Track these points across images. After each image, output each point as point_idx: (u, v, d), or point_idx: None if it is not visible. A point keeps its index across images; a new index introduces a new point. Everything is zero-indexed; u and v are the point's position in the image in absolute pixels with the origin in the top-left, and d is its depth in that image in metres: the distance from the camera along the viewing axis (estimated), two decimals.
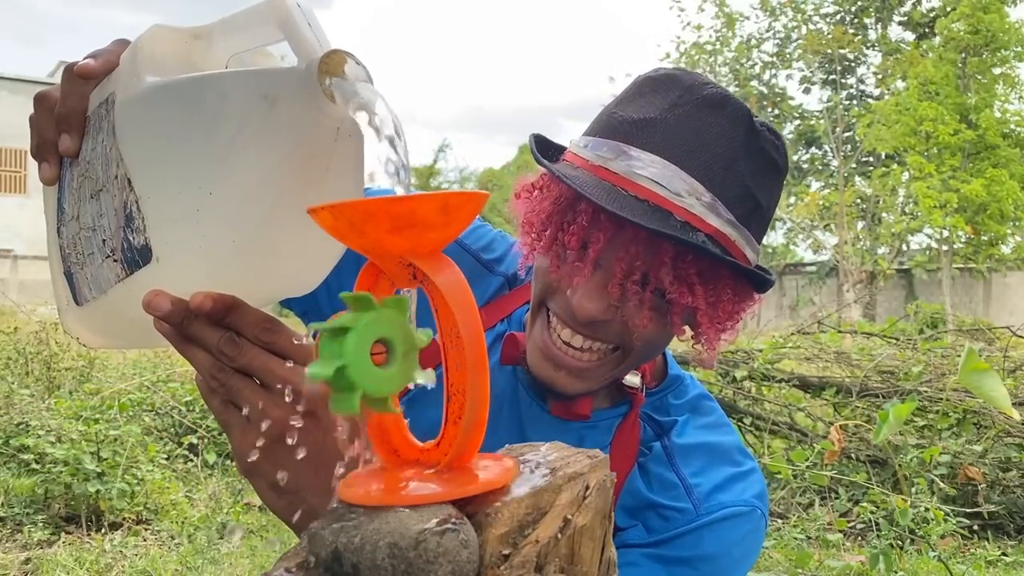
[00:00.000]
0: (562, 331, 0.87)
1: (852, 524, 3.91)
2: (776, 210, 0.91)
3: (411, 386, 0.54)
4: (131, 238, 0.65)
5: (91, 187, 0.68)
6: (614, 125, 0.84)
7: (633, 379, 0.96)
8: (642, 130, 0.81)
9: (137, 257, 0.64)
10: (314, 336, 0.55)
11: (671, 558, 0.88)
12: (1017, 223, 20.54)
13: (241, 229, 0.62)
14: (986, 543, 3.91)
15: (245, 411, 0.63)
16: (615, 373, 0.91)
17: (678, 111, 0.81)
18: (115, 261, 0.66)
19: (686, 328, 0.88)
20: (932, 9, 24.13)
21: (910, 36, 25.12)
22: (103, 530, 3.86)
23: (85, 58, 0.67)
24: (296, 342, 0.64)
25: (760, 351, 5.17)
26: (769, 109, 26.13)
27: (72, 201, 0.71)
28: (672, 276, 0.81)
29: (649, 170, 0.79)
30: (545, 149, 0.92)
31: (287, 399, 0.61)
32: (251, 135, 0.59)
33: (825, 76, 25.43)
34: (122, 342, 0.81)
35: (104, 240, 0.67)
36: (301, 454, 0.60)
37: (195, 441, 4.78)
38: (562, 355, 0.87)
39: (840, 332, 5.76)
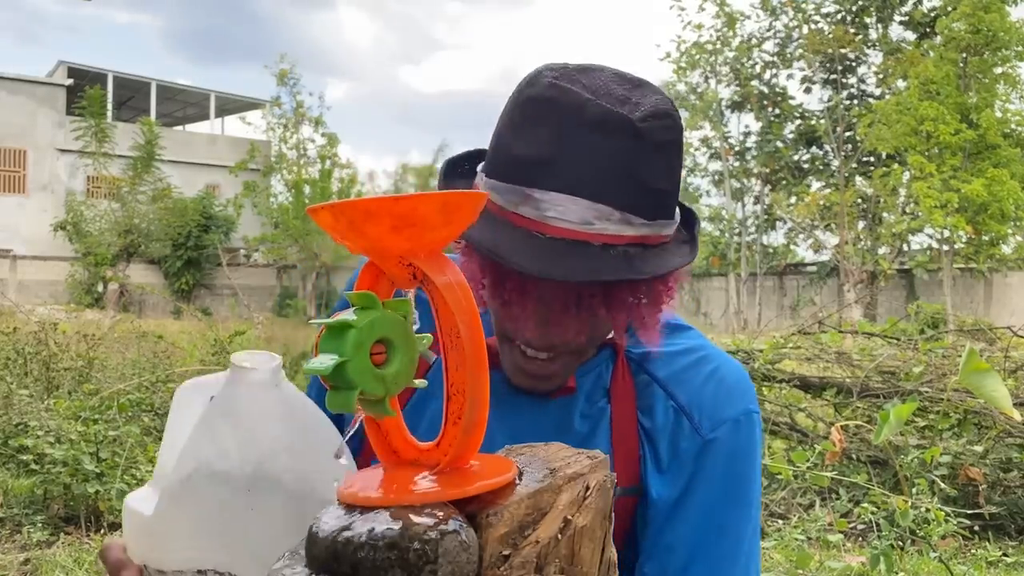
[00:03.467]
0: (528, 350, 0.96)
1: (853, 525, 3.91)
2: (682, 170, 0.99)
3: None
4: None
5: None
6: (513, 166, 0.89)
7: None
8: (540, 169, 0.86)
9: None
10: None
11: (703, 504, 0.97)
12: (1018, 223, 20.53)
13: (289, 498, 0.72)
14: (987, 544, 3.91)
15: None
16: (581, 361, 1.00)
17: (567, 142, 0.86)
18: None
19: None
20: (933, 9, 24.12)
21: (911, 36, 25.12)
22: (102, 530, 3.86)
23: (105, 559, 0.78)
24: None
25: (760, 351, 5.16)
26: (770, 109, 26.13)
27: None
28: (605, 305, 0.90)
29: (557, 209, 0.85)
30: (455, 169, 1.00)
31: None
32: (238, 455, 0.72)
33: (826, 76, 25.43)
34: None
35: None
36: None
37: None
38: (536, 369, 0.97)
39: (841, 332, 5.75)
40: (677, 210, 0.96)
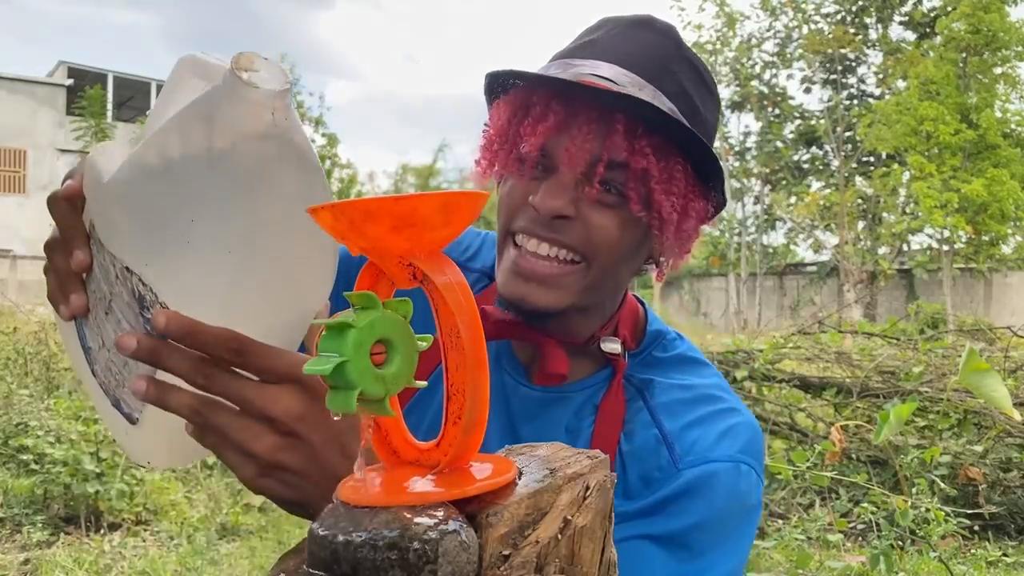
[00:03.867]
0: (528, 242, 0.88)
1: (853, 525, 3.91)
2: (716, 130, 0.97)
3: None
4: (150, 314, 0.66)
5: (103, 305, 0.70)
6: (561, 53, 0.93)
7: (613, 346, 0.96)
8: (583, 48, 0.90)
9: None
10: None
11: (663, 535, 0.85)
12: (1018, 223, 20.54)
13: (235, 253, 0.64)
14: (987, 543, 3.91)
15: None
16: (583, 288, 0.90)
17: (613, 31, 0.91)
18: None
19: (644, 217, 0.88)
20: (933, 9, 24.13)
21: (911, 36, 25.13)
22: (102, 531, 3.86)
23: (64, 181, 0.71)
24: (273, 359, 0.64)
25: (761, 351, 5.16)
26: (769, 109, 26.13)
27: (93, 334, 0.73)
28: (626, 144, 0.84)
29: (591, 67, 0.86)
30: (498, 82, 0.97)
31: (264, 426, 0.63)
32: (206, 166, 0.62)
33: (826, 76, 25.43)
34: (188, 451, 0.75)
35: None
36: (293, 476, 0.65)
37: None
38: (530, 265, 0.88)
39: (841, 332, 5.75)
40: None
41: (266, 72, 0.60)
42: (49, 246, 0.73)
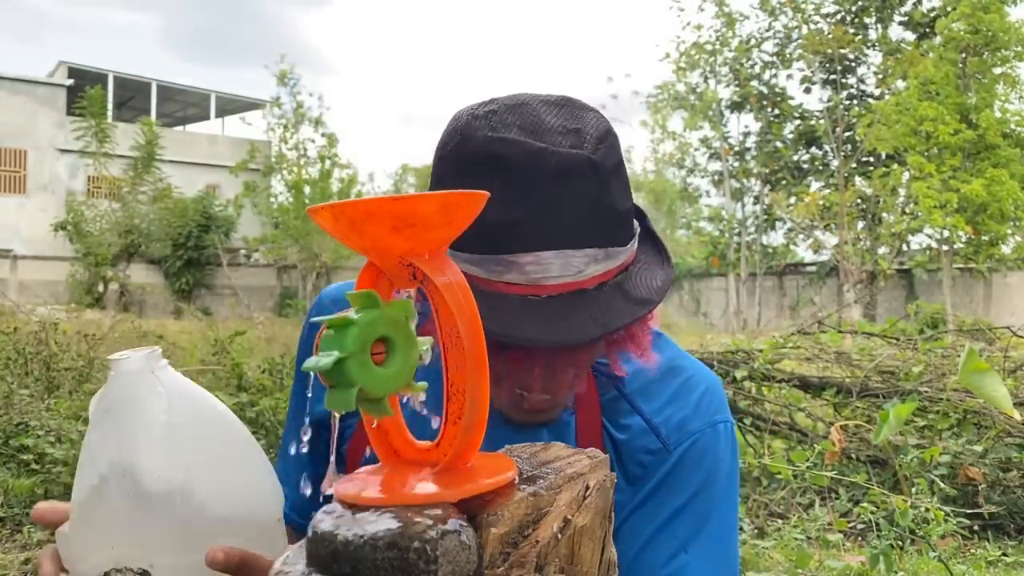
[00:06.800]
0: (525, 392, 0.92)
1: (852, 524, 3.91)
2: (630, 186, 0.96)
3: (406, 398, 0.54)
4: None
5: None
6: (481, 235, 0.76)
7: None
8: (514, 233, 0.81)
9: None
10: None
11: (670, 513, 0.95)
12: (1017, 223, 20.52)
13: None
14: (986, 543, 3.91)
15: None
16: (577, 391, 0.97)
17: (534, 200, 0.81)
18: None
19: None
20: (932, 9, 24.12)
21: (910, 36, 25.11)
22: None
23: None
24: None
25: (760, 351, 5.16)
26: (769, 109, 26.13)
27: None
28: (606, 345, 0.91)
29: (546, 268, 0.81)
30: None
31: None
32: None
33: (825, 76, 25.42)
34: None
35: None
36: None
37: None
38: (535, 405, 0.92)
39: (840, 332, 5.75)
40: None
41: (137, 351, 0.72)
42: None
